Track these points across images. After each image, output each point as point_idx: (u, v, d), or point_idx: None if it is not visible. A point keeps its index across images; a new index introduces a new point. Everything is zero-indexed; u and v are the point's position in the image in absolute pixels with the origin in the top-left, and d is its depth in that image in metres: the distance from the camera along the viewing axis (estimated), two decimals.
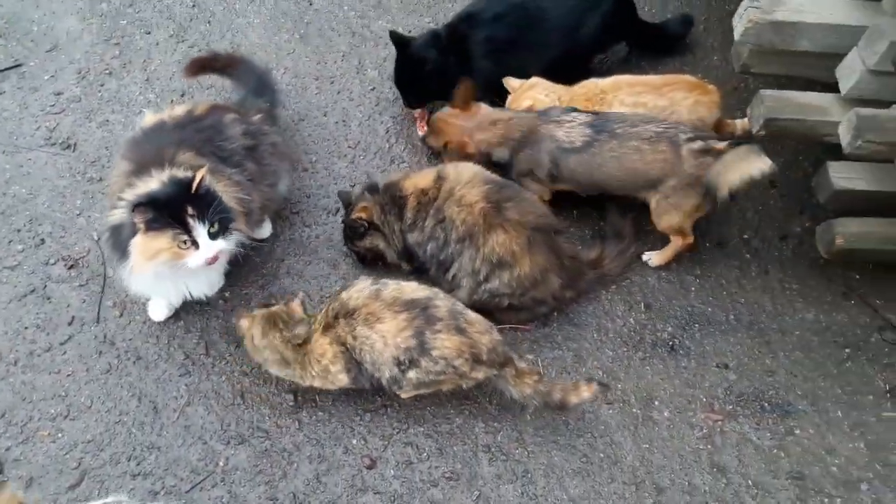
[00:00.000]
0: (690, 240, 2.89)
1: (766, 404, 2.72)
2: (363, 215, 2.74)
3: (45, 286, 2.77)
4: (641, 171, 2.71)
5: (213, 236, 2.26)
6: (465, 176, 2.68)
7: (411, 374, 2.36)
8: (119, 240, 2.30)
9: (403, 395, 2.53)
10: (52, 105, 3.21)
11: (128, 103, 3.24)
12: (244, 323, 2.42)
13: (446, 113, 2.95)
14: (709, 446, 2.63)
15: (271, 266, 2.88)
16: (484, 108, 2.93)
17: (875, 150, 2.25)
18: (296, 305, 2.43)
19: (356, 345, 2.35)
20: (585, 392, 2.44)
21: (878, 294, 2.97)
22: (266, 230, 2.90)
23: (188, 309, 2.76)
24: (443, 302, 2.39)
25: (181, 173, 2.27)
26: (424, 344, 2.32)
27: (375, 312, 2.34)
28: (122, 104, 3.23)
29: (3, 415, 2.53)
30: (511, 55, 3.11)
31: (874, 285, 2.98)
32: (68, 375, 2.61)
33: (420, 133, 3.19)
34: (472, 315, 2.41)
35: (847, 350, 2.86)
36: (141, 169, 2.32)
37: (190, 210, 2.20)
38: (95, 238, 2.88)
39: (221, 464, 2.48)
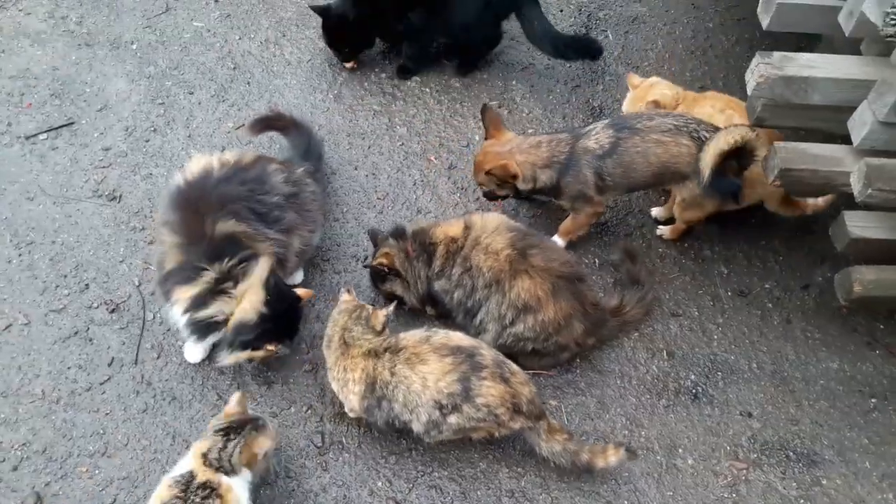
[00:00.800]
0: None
1: (792, 453, 2.72)
2: (384, 261, 2.84)
3: (88, 329, 2.90)
4: (668, 164, 2.83)
5: None
6: (491, 225, 2.78)
7: (453, 419, 2.40)
8: (208, 330, 2.62)
9: (430, 440, 2.57)
10: (101, 159, 3.40)
11: (171, 157, 3.42)
12: (345, 296, 2.60)
13: (483, 145, 3.07)
14: (734, 495, 2.63)
15: (304, 311, 2.98)
16: (513, 134, 3.06)
17: (885, 199, 2.31)
18: (381, 315, 2.55)
19: (391, 381, 2.42)
20: (613, 457, 2.47)
21: None
22: (298, 276, 3.02)
23: None
24: (487, 352, 2.47)
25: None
26: (469, 390, 2.37)
27: (420, 354, 2.42)
28: (166, 158, 3.41)
29: (44, 451, 2.62)
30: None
31: None
32: (107, 414, 2.71)
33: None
34: (515, 366, 2.48)
35: (873, 400, 2.86)
36: (187, 241, 2.55)
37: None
38: (136, 284, 3.02)
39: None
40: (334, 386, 2.56)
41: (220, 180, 2.65)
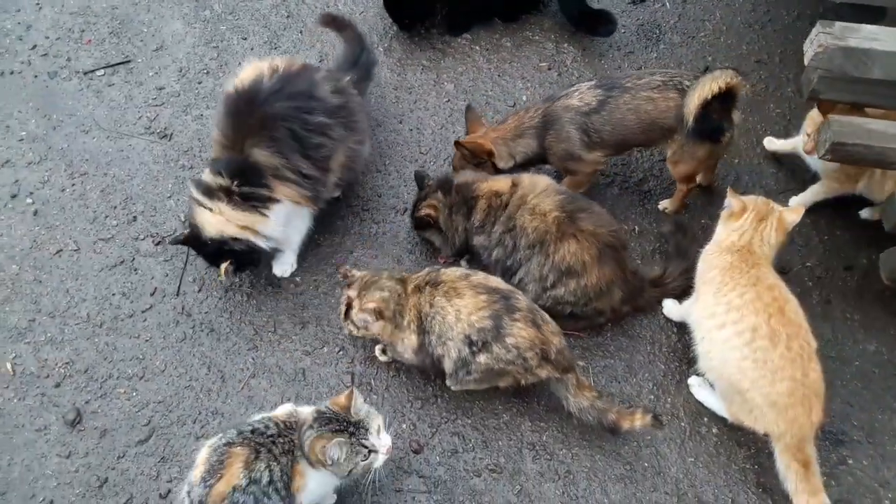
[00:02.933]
0: (694, 184, 3.10)
1: (820, 431, 2.68)
2: (431, 213, 2.87)
3: (134, 259, 3.00)
4: (657, 120, 2.81)
5: None
6: (540, 185, 2.77)
7: (482, 357, 2.44)
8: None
9: (456, 387, 2.61)
10: (154, 98, 3.49)
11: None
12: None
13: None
14: (756, 466, 2.62)
15: (341, 257, 3.04)
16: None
17: None
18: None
19: (430, 312, 2.48)
20: (639, 421, 2.47)
21: None
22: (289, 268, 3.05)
23: (261, 290, 2.94)
24: (523, 298, 2.51)
25: None
26: (501, 328, 2.41)
27: (458, 288, 2.48)
28: (217, 101, 3.47)
29: (86, 370, 2.74)
30: None
31: None
32: (147, 341, 2.81)
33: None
34: (549, 317, 2.52)
35: None
36: (228, 145, 2.68)
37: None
38: (182, 219, 3.10)
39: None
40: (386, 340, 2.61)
41: (269, 94, 2.67)
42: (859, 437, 2.68)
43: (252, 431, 2.14)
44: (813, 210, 3.24)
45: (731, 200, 2.62)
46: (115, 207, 3.14)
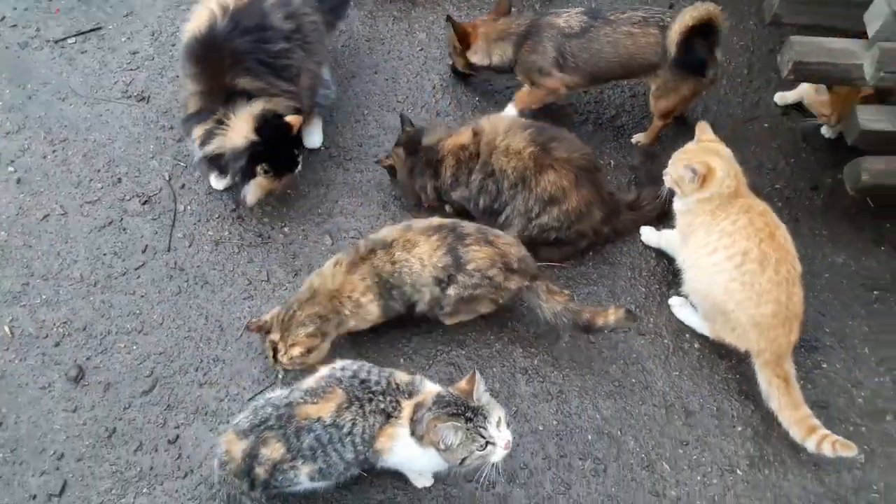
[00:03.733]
0: (669, 120, 3.20)
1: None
2: (392, 164, 3.02)
3: (122, 219, 3.03)
4: (636, 56, 2.90)
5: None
6: (502, 125, 2.85)
7: (451, 290, 2.55)
8: (218, 164, 2.87)
9: (448, 321, 2.71)
10: (129, 62, 3.49)
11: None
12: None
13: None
14: (738, 376, 2.76)
15: (327, 206, 3.10)
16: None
17: None
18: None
19: (395, 269, 2.54)
20: (612, 316, 2.55)
21: None
22: (317, 138, 3.24)
23: (251, 241, 3.00)
24: (468, 223, 2.62)
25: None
26: (459, 259, 2.52)
27: (411, 240, 2.56)
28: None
29: (84, 328, 2.78)
30: None
31: None
32: (142, 296, 2.86)
33: None
34: (498, 231, 2.65)
35: (876, 292, 2.96)
36: (208, 90, 2.75)
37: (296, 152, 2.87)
38: (167, 178, 3.14)
39: (280, 376, 2.69)
40: (353, 322, 2.60)
41: (227, 34, 2.73)
42: (832, 343, 2.83)
43: (362, 382, 2.21)
44: (779, 135, 3.38)
45: (696, 166, 2.61)
46: (99, 171, 3.16)
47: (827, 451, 2.42)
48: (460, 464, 2.08)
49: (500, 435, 2.08)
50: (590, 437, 2.61)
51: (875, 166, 2.77)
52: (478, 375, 2.10)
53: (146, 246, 2.98)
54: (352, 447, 2.17)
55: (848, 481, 2.51)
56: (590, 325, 2.57)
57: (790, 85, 3.36)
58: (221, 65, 2.73)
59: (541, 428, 2.62)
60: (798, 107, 3.38)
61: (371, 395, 2.18)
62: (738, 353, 2.77)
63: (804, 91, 3.29)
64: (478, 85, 3.48)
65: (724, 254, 2.55)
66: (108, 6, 3.67)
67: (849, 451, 2.41)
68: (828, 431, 2.45)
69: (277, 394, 2.29)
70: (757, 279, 2.51)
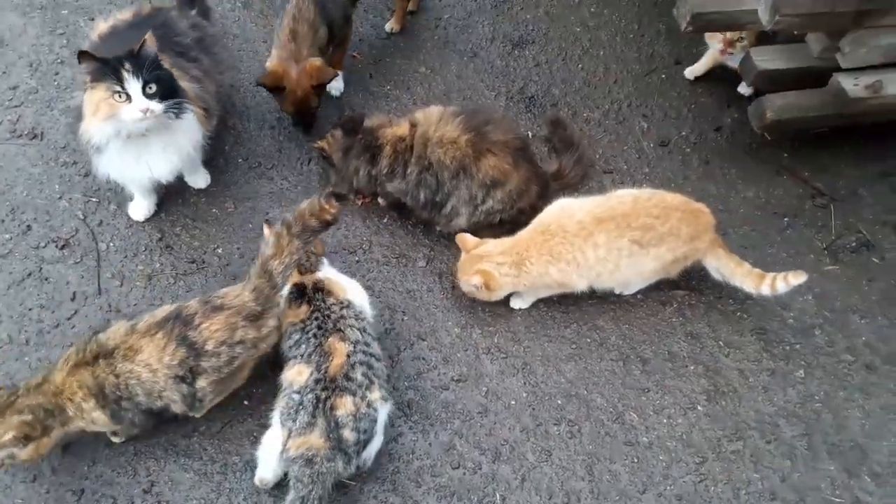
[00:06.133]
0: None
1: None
2: (325, 147, 2.96)
3: (41, 268, 2.85)
4: None
5: (149, 96, 2.43)
6: (434, 116, 2.87)
7: (201, 382, 2.30)
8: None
9: (200, 412, 2.49)
10: (10, 99, 3.25)
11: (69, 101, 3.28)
12: None
13: None
14: (681, 318, 2.93)
15: (258, 219, 3.02)
16: None
17: (790, 24, 2.54)
18: None
19: (120, 382, 2.24)
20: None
21: (805, 167, 3.32)
22: (202, 180, 3.10)
23: (186, 270, 2.89)
24: (192, 301, 2.36)
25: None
26: (194, 345, 2.25)
27: (133, 346, 2.25)
28: (81, 90, 3.27)
29: None
30: None
31: (800, 159, 3.34)
32: None
33: None
34: (224, 289, 2.40)
35: (786, 219, 3.20)
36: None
37: (127, 66, 2.39)
38: (81, 217, 2.97)
39: (246, 402, 2.64)
40: (83, 425, 2.30)
41: (131, 27, 2.65)
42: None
43: (320, 327, 2.39)
44: (677, 83, 3.56)
45: (474, 281, 2.70)
46: (3, 221, 2.95)
47: (781, 287, 2.71)
48: None
49: None
50: (559, 401, 2.71)
51: (775, 103, 2.98)
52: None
53: (74, 293, 2.82)
54: (370, 337, 2.44)
55: (794, 396, 2.74)
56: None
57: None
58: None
59: (513, 402, 2.70)
60: (707, 76, 3.55)
61: (330, 313, 2.41)
62: (677, 297, 2.95)
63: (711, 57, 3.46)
64: (385, 73, 3.47)
65: (619, 255, 2.69)
66: None
67: (799, 277, 2.70)
68: (774, 273, 2.73)
69: (289, 380, 2.34)
70: (649, 242, 2.70)
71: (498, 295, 2.79)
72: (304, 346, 2.36)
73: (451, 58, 3.60)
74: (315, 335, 2.36)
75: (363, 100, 3.41)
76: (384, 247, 3.04)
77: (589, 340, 2.86)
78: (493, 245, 2.75)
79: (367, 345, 2.40)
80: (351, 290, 2.56)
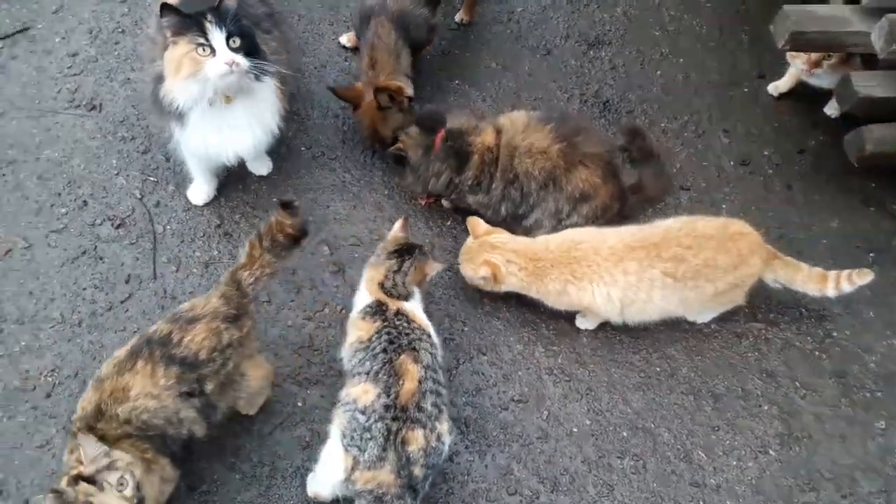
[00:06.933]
0: None
1: (804, 310, 2.86)
2: (402, 147, 2.79)
3: (96, 247, 2.76)
4: None
5: (233, 50, 2.29)
6: (520, 122, 2.71)
7: (208, 386, 2.14)
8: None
9: (247, 409, 2.44)
10: (70, 67, 3.14)
11: (150, 69, 3.17)
12: None
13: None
14: (756, 353, 2.78)
15: (319, 212, 2.91)
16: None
17: None
18: None
19: (134, 422, 2.01)
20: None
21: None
22: (265, 167, 2.98)
23: None
24: (158, 323, 2.18)
25: None
26: (185, 360, 2.09)
27: (118, 387, 2.03)
28: (142, 60, 3.14)
29: (75, 374, 2.53)
30: None
31: (890, 190, 3.14)
32: (135, 332, 2.60)
33: None
34: (186, 304, 2.22)
35: (872, 254, 3.02)
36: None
37: (209, 17, 2.25)
38: (138, 196, 2.86)
39: (300, 404, 2.54)
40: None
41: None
42: (839, 311, 2.88)
43: (391, 342, 2.21)
44: (760, 98, 3.37)
45: (482, 272, 2.56)
46: (60, 194, 2.85)
47: (846, 287, 2.59)
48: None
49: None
50: (624, 433, 2.58)
51: (874, 134, 2.79)
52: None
53: (129, 275, 2.72)
54: (439, 365, 2.29)
55: (873, 449, 2.58)
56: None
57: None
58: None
59: (575, 430, 2.58)
60: (792, 93, 3.35)
61: (403, 331, 2.26)
62: (753, 330, 2.80)
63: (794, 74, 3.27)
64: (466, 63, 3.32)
65: (650, 286, 2.52)
66: (32, 2, 3.29)
67: (865, 276, 2.59)
68: (838, 271, 2.61)
69: (353, 396, 2.16)
70: (685, 276, 2.51)
71: (500, 289, 2.63)
72: (369, 362, 2.20)
73: (522, 54, 3.43)
74: (385, 350, 2.19)
75: (430, 94, 3.26)
76: (447, 251, 2.90)
77: (658, 370, 2.72)
78: (507, 238, 2.62)
79: (435, 371, 2.25)
80: (430, 328, 2.40)
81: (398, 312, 2.30)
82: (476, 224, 2.66)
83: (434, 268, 2.50)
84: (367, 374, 2.17)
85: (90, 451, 1.89)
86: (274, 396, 2.54)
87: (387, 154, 2.88)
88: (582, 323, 2.76)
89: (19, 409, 2.47)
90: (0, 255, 2.71)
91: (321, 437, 2.46)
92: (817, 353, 2.78)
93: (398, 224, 2.54)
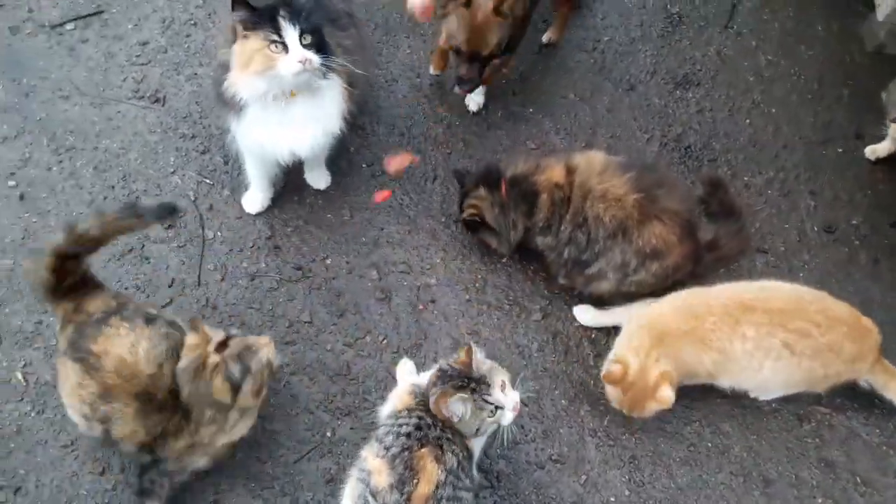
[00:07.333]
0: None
1: (877, 399, 2.64)
2: (474, 213, 2.63)
3: (143, 246, 2.70)
4: None
5: (305, 47, 2.19)
6: (597, 164, 2.55)
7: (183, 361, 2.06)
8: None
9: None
10: (138, 56, 3.09)
11: (216, 56, 3.10)
12: None
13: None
14: (817, 440, 2.58)
15: (372, 234, 2.81)
16: None
17: None
18: None
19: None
20: None
21: None
22: (323, 181, 2.89)
23: (290, 276, 2.70)
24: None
25: None
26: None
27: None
28: (211, 56, 3.09)
29: None
30: None
31: None
32: None
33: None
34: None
35: None
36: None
37: (283, 13, 2.16)
38: (192, 198, 2.80)
39: (329, 434, 2.45)
40: None
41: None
42: None
43: (418, 428, 1.99)
44: (854, 161, 3.14)
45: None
46: (114, 187, 2.80)
47: None
48: (476, 433, 2.05)
49: (507, 398, 2.06)
50: None
51: None
52: (474, 347, 2.08)
53: (173, 279, 2.66)
54: (464, 474, 2.03)
55: None
56: None
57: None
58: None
59: (612, 500, 2.43)
60: (890, 160, 3.11)
61: (436, 426, 2.02)
62: (816, 414, 2.61)
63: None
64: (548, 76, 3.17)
65: (765, 355, 2.36)
66: None
67: None
68: None
69: (368, 467, 1.98)
70: (803, 352, 2.36)
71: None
72: (391, 437, 1.99)
73: (604, 87, 3.26)
74: (409, 435, 1.97)
75: (502, 119, 3.12)
76: (499, 289, 2.77)
77: (710, 445, 2.55)
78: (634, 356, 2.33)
79: (458, 477, 1.98)
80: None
81: None
82: (613, 375, 2.32)
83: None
84: (387, 449, 1.97)
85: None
86: (305, 424, 2.45)
87: (463, 225, 2.77)
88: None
89: (48, 404, 2.43)
90: None
91: (346, 472, 2.38)
92: (884, 447, 2.58)
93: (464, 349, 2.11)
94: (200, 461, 2.20)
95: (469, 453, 2.07)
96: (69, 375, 2.05)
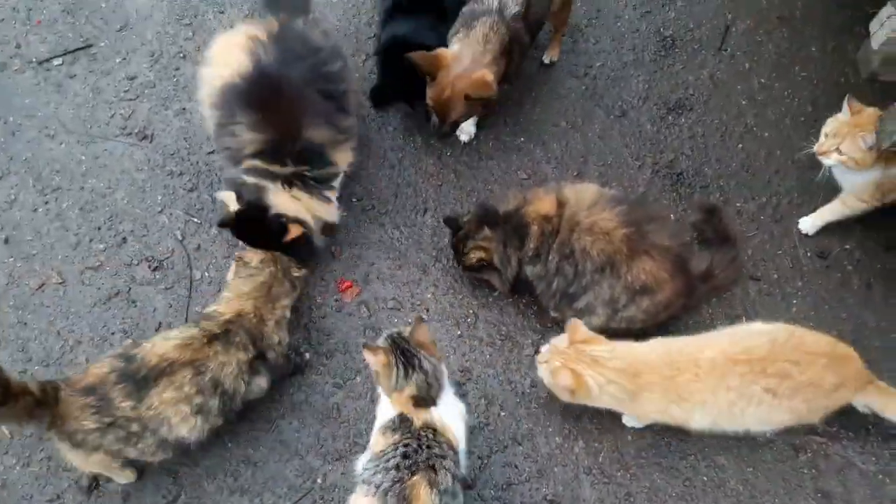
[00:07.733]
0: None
1: (871, 427, 2.63)
2: (483, 256, 2.60)
3: (130, 289, 2.68)
4: None
5: None
6: (588, 198, 2.52)
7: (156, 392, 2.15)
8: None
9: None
10: (126, 91, 3.08)
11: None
12: None
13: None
14: (813, 470, 2.56)
15: (362, 270, 2.79)
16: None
17: None
18: None
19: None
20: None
21: None
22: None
23: None
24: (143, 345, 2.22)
25: None
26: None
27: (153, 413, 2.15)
28: (210, 93, 3.06)
29: None
30: None
31: None
32: None
33: None
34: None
35: None
36: (277, 138, 2.38)
37: None
38: (179, 238, 2.78)
39: (320, 481, 2.43)
40: None
41: (279, 65, 2.38)
42: None
43: (406, 457, 1.95)
44: None
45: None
46: (100, 228, 2.78)
47: None
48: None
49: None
50: None
51: None
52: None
53: (160, 323, 2.64)
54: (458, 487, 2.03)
55: None
56: None
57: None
58: (286, 108, 2.36)
59: None
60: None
61: (425, 447, 2.00)
62: (812, 444, 2.58)
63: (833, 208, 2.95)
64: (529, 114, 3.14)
65: (747, 402, 2.32)
66: (99, 17, 3.23)
67: None
68: None
69: None
70: (783, 393, 2.31)
71: (577, 401, 2.41)
72: (379, 475, 1.95)
73: (595, 114, 3.23)
74: (397, 467, 1.94)
75: (493, 149, 3.09)
76: (490, 324, 2.75)
77: (705, 479, 2.52)
78: (607, 351, 2.32)
79: (453, 496, 1.99)
80: (458, 429, 2.14)
81: (427, 425, 2.05)
82: (577, 329, 2.36)
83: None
84: (377, 487, 1.94)
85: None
86: (296, 470, 2.43)
87: (468, 272, 2.73)
88: (629, 421, 2.57)
89: (33, 457, 2.41)
90: (33, 289, 2.65)
91: None
92: (881, 476, 2.55)
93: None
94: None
95: (457, 458, 2.06)
96: None
